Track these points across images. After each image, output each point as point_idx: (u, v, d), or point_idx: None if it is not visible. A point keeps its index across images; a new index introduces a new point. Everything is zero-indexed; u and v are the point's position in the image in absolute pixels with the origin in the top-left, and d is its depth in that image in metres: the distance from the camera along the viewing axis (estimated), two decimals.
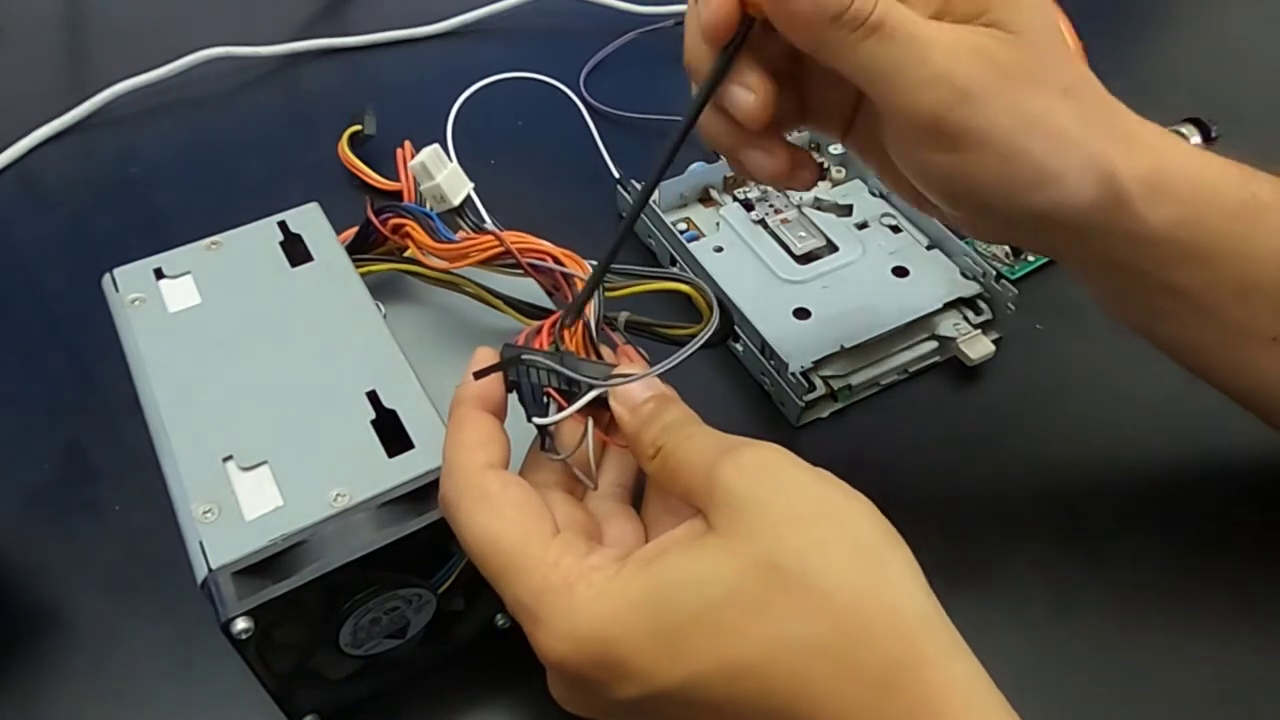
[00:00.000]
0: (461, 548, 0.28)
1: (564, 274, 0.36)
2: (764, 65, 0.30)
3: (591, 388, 0.29)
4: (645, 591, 0.25)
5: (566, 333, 0.32)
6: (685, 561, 0.26)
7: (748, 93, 0.30)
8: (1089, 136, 0.30)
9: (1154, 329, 0.36)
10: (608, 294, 0.35)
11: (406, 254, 0.42)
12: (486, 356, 0.30)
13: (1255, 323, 0.33)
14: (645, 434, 0.29)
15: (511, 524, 0.27)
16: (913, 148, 0.30)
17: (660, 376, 0.30)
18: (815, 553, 0.25)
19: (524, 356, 0.30)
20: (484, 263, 0.39)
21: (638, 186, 0.49)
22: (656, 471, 0.28)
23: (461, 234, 0.41)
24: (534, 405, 0.30)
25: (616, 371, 0.30)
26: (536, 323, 0.32)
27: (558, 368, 0.29)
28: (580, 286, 0.34)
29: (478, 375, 0.29)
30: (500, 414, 0.30)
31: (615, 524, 0.30)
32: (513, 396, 0.30)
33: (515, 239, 0.37)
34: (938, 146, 0.29)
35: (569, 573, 0.26)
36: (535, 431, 0.31)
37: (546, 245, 0.37)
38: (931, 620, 0.25)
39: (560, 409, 0.30)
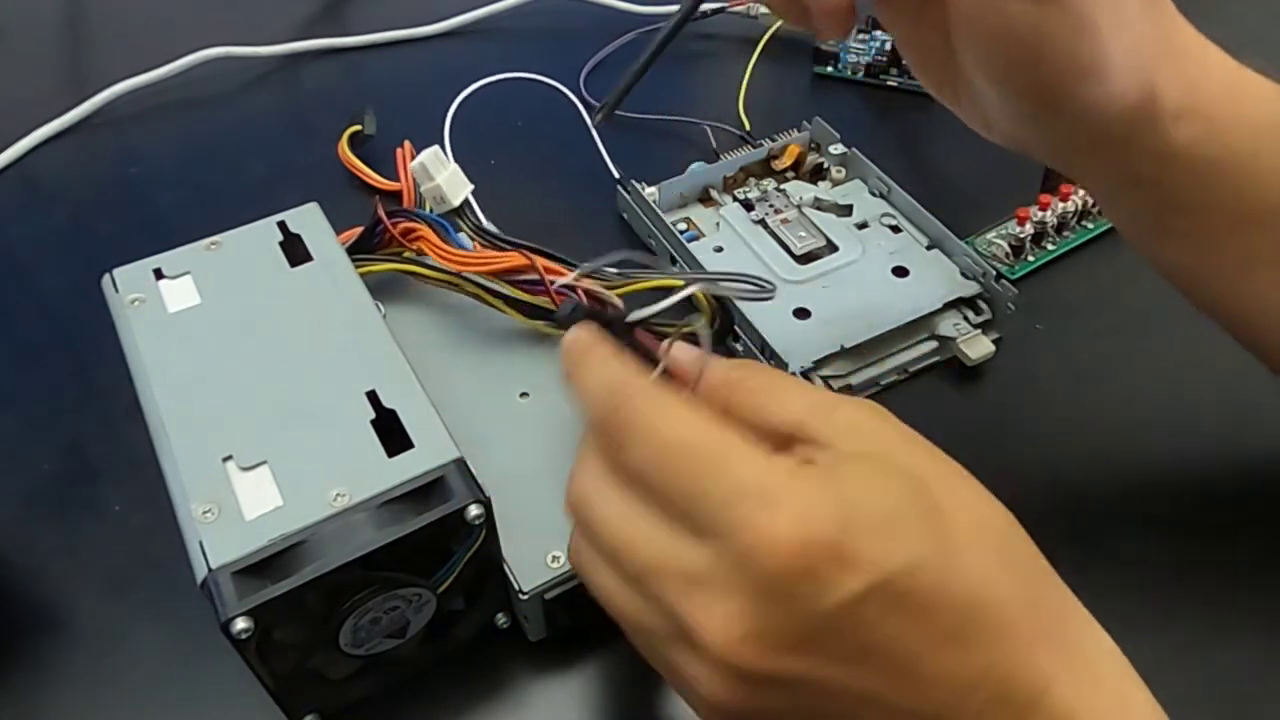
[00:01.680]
0: (639, 456, 0.27)
1: (596, 296, 0.36)
2: None
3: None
4: (854, 486, 0.25)
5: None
6: (857, 470, 0.26)
7: None
8: (1146, 37, 0.30)
9: (1163, 251, 0.36)
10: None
11: (406, 254, 0.42)
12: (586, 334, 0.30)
13: (1265, 246, 0.33)
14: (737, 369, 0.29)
15: (714, 422, 0.27)
16: None
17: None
18: (949, 479, 0.27)
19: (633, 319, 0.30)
20: (497, 274, 0.39)
21: (638, 187, 0.49)
22: (744, 394, 0.29)
23: (478, 245, 0.41)
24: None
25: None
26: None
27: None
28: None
29: (568, 324, 0.30)
30: None
31: None
32: None
33: (543, 264, 0.38)
34: None
35: (786, 463, 0.26)
36: None
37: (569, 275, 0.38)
38: None
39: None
